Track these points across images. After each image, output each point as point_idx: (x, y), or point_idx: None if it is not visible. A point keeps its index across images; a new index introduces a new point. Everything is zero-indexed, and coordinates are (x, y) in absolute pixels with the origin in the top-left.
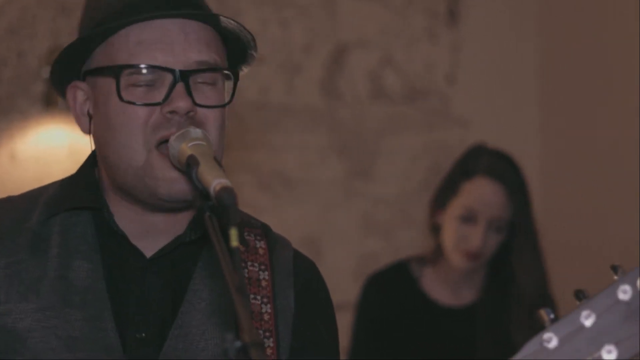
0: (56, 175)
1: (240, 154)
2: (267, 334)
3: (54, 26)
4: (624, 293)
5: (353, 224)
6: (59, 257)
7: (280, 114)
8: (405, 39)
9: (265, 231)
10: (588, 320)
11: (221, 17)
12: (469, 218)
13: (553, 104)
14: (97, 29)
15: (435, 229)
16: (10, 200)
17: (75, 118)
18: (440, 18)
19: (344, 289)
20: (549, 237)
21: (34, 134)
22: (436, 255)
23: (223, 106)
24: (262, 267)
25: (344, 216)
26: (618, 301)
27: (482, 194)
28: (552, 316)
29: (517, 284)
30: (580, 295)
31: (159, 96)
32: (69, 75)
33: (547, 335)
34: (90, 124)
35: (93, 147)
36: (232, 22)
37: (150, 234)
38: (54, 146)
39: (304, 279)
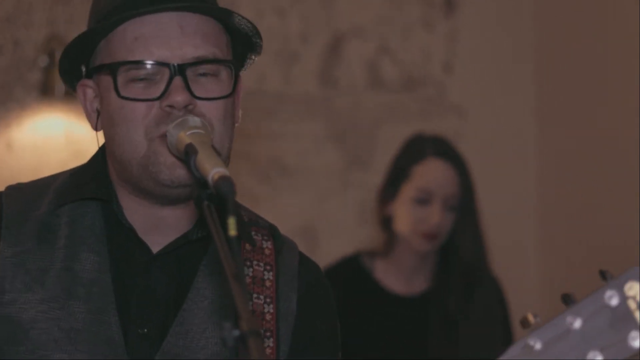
0: (53, 164)
1: (236, 143)
2: (268, 334)
3: (50, 14)
4: (611, 298)
5: (349, 212)
6: (66, 248)
7: (277, 102)
8: (402, 27)
9: (272, 232)
10: (574, 324)
11: (217, 9)
12: (424, 200)
13: (550, 92)
14: (96, 25)
15: (386, 221)
16: (19, 187)
17: (86, 115)
18: (437, 7)
19: None
20: (547, 235)
21: (31, 123)
22: (388, 248)
23: (224, 97)
24: (268, 267)
25: (341, 205)
26: (605, 306)
27: (435, 174)
28: (537, 319)
29: (459, 256)
30: (568, 300)
31: (158, 91)
32: (79, 72)
33: (531, 339)
34: (97, 120)
35: (100, 144)
36: (231, 13)
37: (158, 229)
38: (51, 135)
39: (308, 284)
